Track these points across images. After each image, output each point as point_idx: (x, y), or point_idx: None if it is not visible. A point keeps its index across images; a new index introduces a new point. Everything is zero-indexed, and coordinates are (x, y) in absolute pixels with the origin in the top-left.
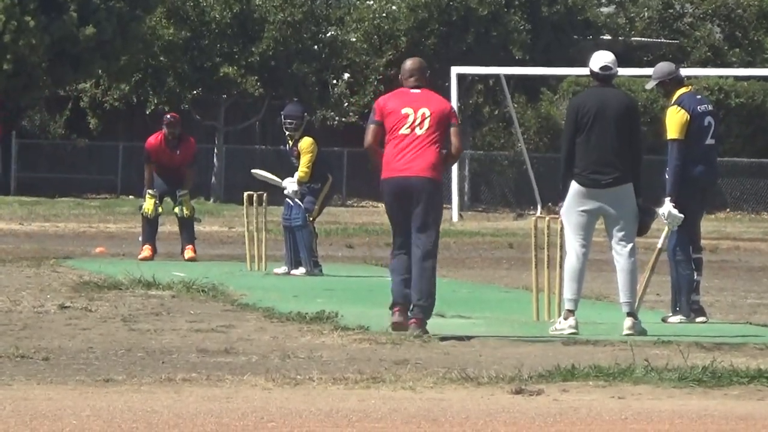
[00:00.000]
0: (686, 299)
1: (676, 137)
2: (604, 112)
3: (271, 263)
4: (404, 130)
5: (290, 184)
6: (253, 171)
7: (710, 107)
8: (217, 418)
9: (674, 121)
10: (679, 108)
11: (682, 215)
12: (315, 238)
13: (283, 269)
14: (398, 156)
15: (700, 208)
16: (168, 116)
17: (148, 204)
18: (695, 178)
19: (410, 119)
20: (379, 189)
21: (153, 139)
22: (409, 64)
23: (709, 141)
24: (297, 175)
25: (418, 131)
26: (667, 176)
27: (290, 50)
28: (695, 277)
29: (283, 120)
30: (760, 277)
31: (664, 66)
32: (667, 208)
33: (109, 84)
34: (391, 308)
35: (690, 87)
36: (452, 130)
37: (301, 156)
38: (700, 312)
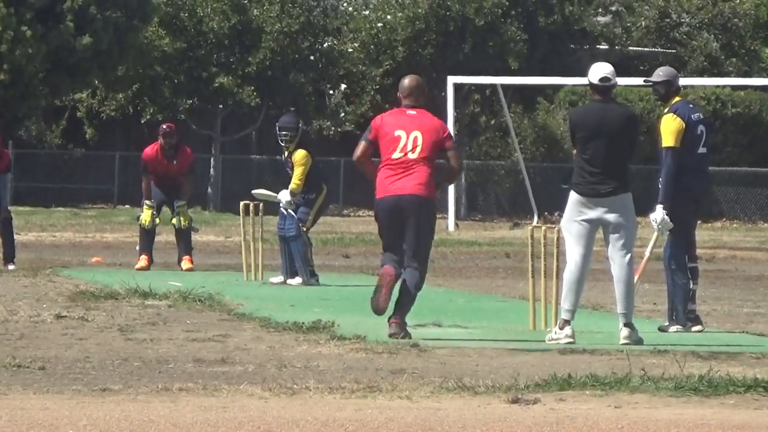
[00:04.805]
0: (682, 308)
1: (671, 145)
2: (604, 130)
3: (267, 273)
4: (396, 155)
5: (284, 195)
6: (253, 192)
7: (702, 116)
8: (214, 428)
9: (670, 128)
10: (675, 116)
11: (671, 224)
12: (310, 248)
13: (279, 279)
14: (391, 178)
15: (694, 217)
16: (164, 126)
17: (146, 215)
18: (688, 187)
19: (402, 142)
20: (374, 199)
21: (150, 150)
22: (407, 82)
23: (702, 150)
24: (290, 186)
25: (410, 155)
26: (660, 184)
27: (287, 60)
28: (691, 286)
29: (278, 131)
30: (756, 287)
31: (670, 68)
32: (660, 214)
33: (105, 94)
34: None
35: (683, 96)
36: (449, 153)
37: (295, 168)
38: (697, 321)
